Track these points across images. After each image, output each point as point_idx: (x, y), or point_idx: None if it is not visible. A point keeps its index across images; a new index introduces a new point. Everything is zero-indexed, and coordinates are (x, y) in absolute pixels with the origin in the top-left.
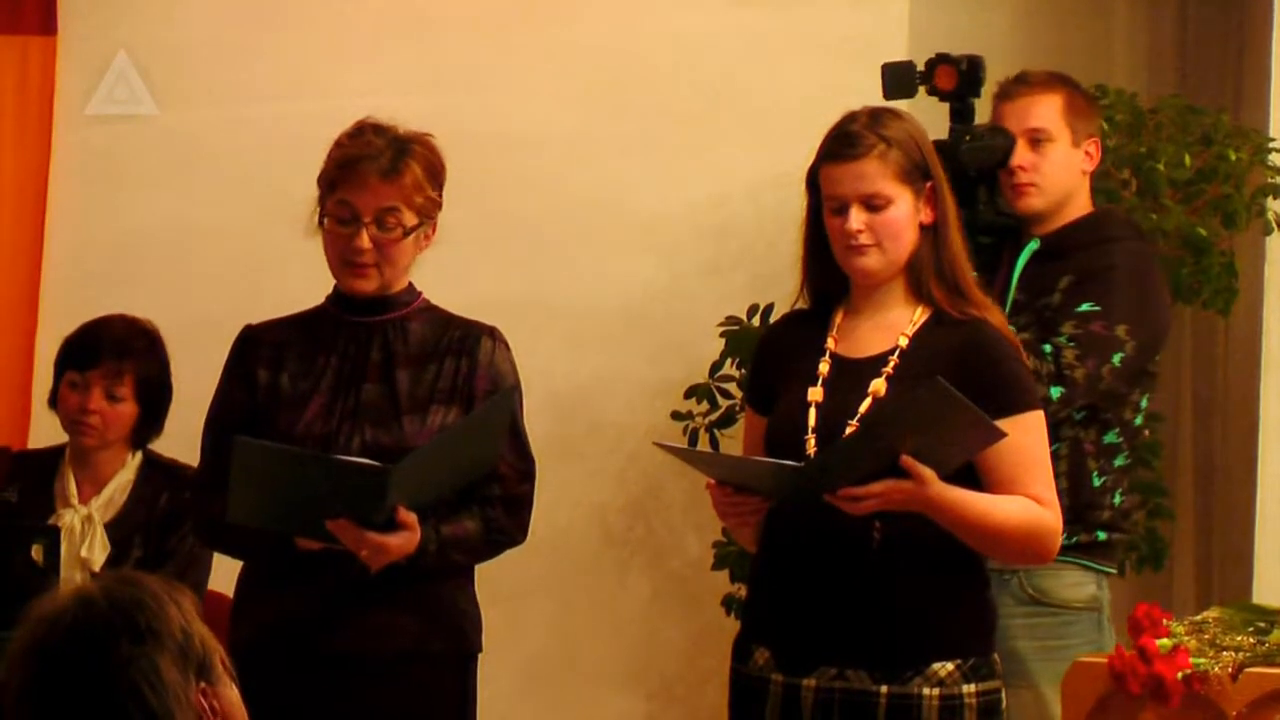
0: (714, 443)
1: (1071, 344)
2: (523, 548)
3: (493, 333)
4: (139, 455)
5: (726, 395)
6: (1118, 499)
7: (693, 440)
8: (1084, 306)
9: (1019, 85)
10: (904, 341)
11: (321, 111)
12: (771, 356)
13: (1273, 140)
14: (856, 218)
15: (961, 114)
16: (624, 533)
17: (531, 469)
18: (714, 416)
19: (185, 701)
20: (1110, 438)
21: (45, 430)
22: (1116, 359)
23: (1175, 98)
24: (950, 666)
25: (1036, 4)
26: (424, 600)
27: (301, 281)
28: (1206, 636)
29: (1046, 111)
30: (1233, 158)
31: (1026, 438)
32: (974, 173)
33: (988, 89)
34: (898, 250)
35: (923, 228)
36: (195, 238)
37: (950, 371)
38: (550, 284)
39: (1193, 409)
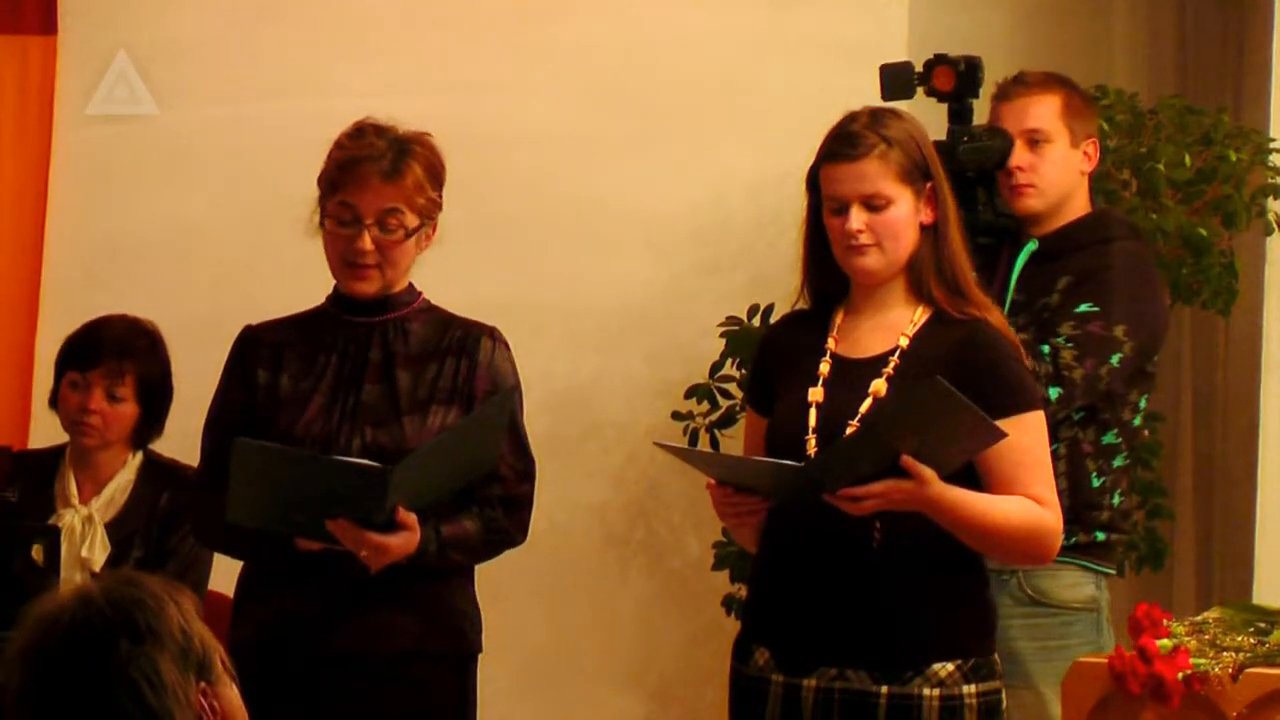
0: (714, 443)
1: (1070, 345)
2: (523, 548)
3: (493, 333)
4: (139, 455)
5: (727, 395)
6: (1116, 499)
7: (693, 440)
8: (1082, 307)
9: (1017, 86)
10: (904, 342)
11: (321, 111)
12: (772, 357)
13: (1273, 140)
14: (857, 218)
15: (959, 115)
16: (624, 533)
17: (531, 469)
18: (714, 416)
19: (185, 701)
20: (1109, 438)
21: (45, 430)
22: (1115, 359)
23: (1175, 98)
24: (950, 667)
25: (1037, 4)
26: (424, 600)
27: (301, 281)
28: (1207, 637)
29: (1044, 112)
30: (1233, 158)
31: (1026, 438)
32: (972, 174)
33: (986, 90)
34: (898, 250)
35: (923, 228)
36: (195, 238)
37: (950, 372)
38: (550, 284)
39: (1193, 409)
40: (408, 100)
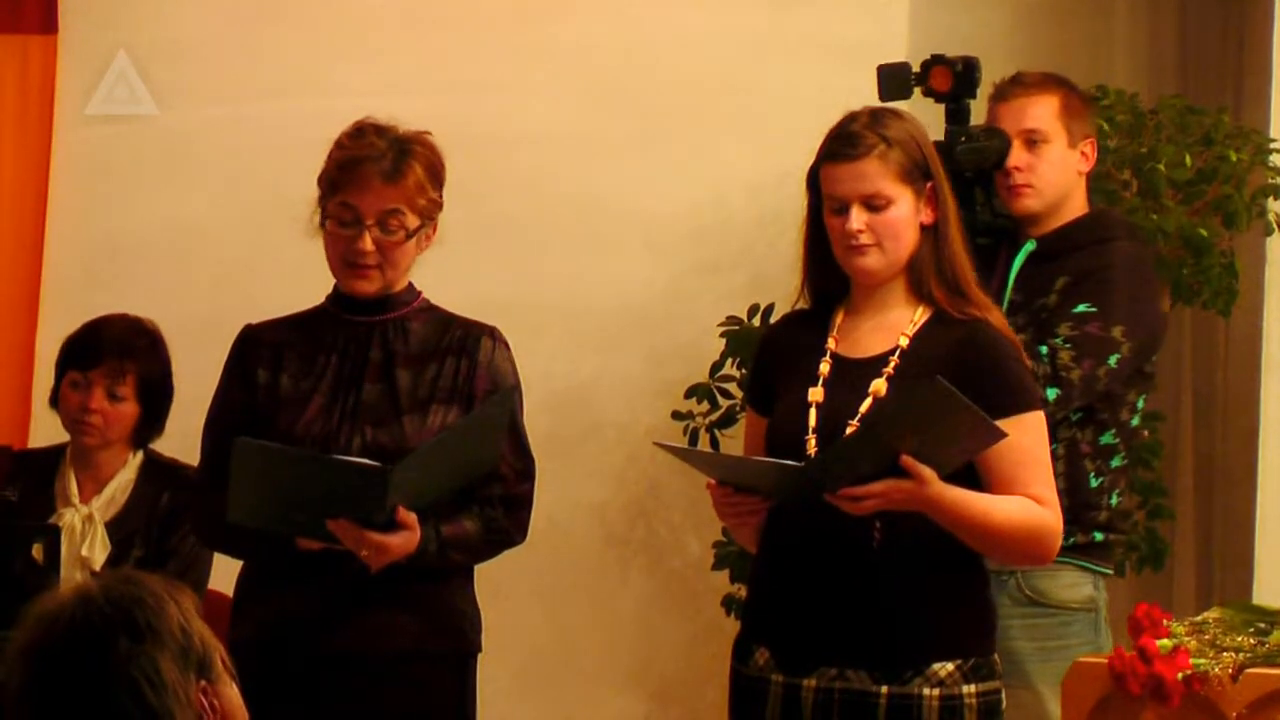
0: (714, 443)
1: (1068, 345)
2: (523, 547)
3: (493, 333)
4: (140, 455)
5: (727, 395)
6: (1115, 500)
7: (693, 440)
8: (1080, 308)
9: (1014, 86)
10: (904, 341)
11: (321, 111)
12: (772, 356)
13: (1273, 141)
14: (857, 217)
15: (957, 115)
16: (624, 532)
17: (531, 469)
18: (714, 416)
19: (185, 700)
20: (1107, 438)
21: (46, 430)
22: (1113, 360)
23: (1176, 98)
24: (950, 667)
25: (1037, 4)
26: (424, 600)
27: (301, 281)
28: (1207, 637)
29: (1042, 112)
30: (1233, 158)
31: (1027, 438)
32: (970, 174)
33: (985, 90)
34: (898, 250)
35: (923, 228)
36: (195, 238)
37: (951, 371)
38: (550, 284)
39: (1193, 409)
40: (408, 100)
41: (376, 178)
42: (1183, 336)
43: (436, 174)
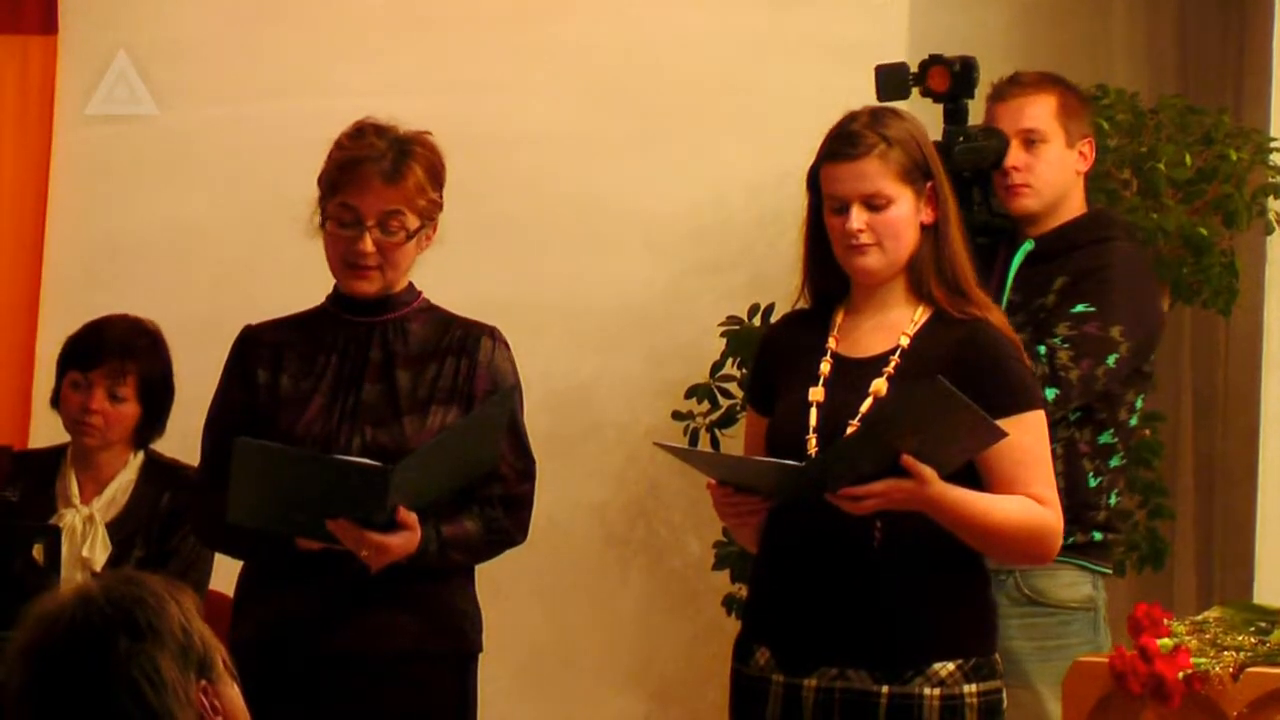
0: (715, 443)
1: (1066, 345)
2: (523, 547)
3: (493, 333)
4: (141, 455)
5: (727, 395)
6: (1113, 499)
7: (693, 440)
8: (1079, 308)
9: (1012, 86)
10: (905, 341)
11: (321, 111)
12: (772, 356)
13: (1273, 140)
14: (857, 217)
15: (955, 115)
16: (624, 532)
17: (532, 469)
18: (715, 416)
19: (185, 699)
20: (1105, 438)
21: (46, 430)
22: (1111, 360)
23: (1176, 98)
24: (951, 666)
25: (1037, 4)
26: (424, 600)
27: (301, 281)
28: (1207, 636)
29: (1040, 112)
30: (1233, 157)
31: (1027, 437)
32: (968, 174)
33: (984, 90)
34: (898, 250)
35: (924, 227)
36: (195, 238)
37: (951, 371)
38: (550, 284)
39: (1193, 409)
40: (408, 100)
41: (377, 178)
42: (1183, 336)
43: (436, 174)
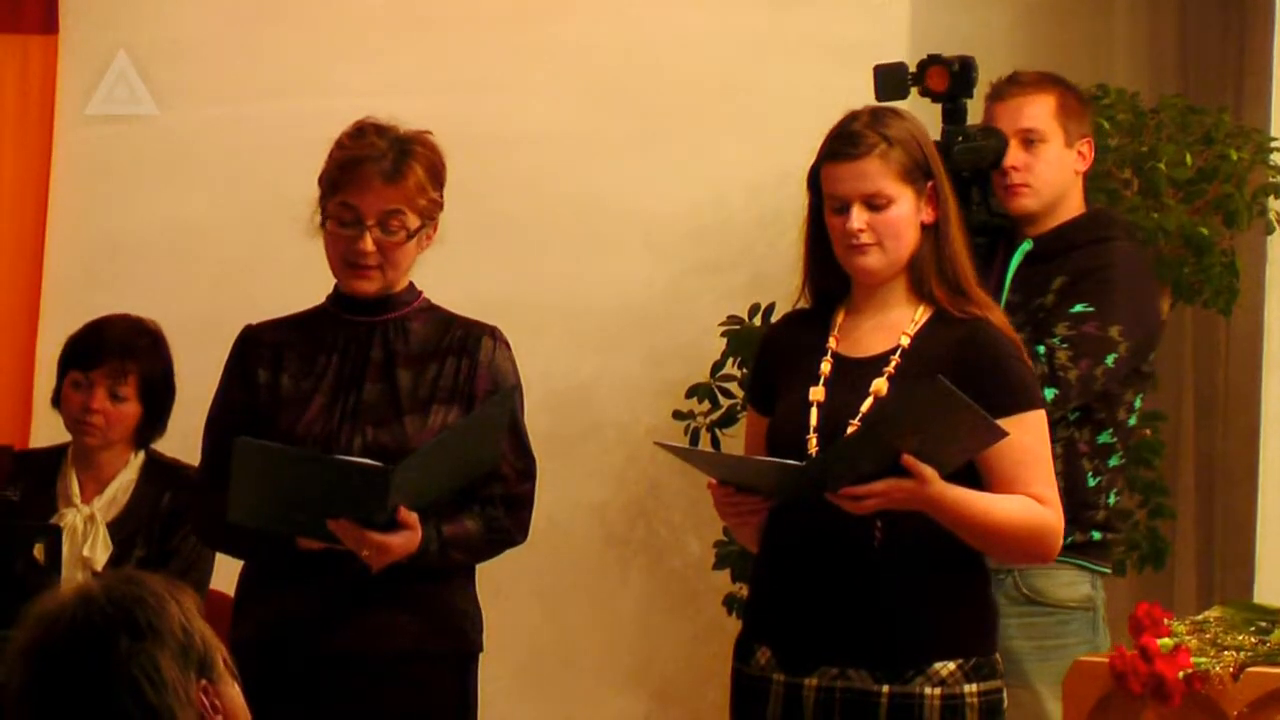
0: (715, 442)
1: (1065, 345)
2: (523, 547)
3: (493, 332)
4: (141, 455)
5: (728, 395)
6: (1112, 499)
7: (694, 440)
8: (1077, 308)
9: (1011, 86)
10: (905, 341)
11: (321, 111)
12: (773, 356)
13: (1274, 140)
14: (858, 217)
15: (954, 115)
16: (624, 532)
17: (532, 468)
18: (715, 416)
19: (186, 699)
20: (1104, 438)
21: (47, 430)
22: (1110, 360)
23: (1176, 97)
24: (952, 666)
25: (1037, 4)
26: (424, 600)
27: (301, 281)
28: (1208, 636)
29: (1039, 112)
30: (1234, 157)
31: (1028, 436)
32: (967, 174)
33: (983, 89)
34: (899, 249)
35: (924, 227)
36: (195, 238)
37: (952, 370)
38: (550, 284)
39: (1194, 409)
40: (408, 100)
41: (377, 178)
42: (1184, 336)
43: (437, 174)
